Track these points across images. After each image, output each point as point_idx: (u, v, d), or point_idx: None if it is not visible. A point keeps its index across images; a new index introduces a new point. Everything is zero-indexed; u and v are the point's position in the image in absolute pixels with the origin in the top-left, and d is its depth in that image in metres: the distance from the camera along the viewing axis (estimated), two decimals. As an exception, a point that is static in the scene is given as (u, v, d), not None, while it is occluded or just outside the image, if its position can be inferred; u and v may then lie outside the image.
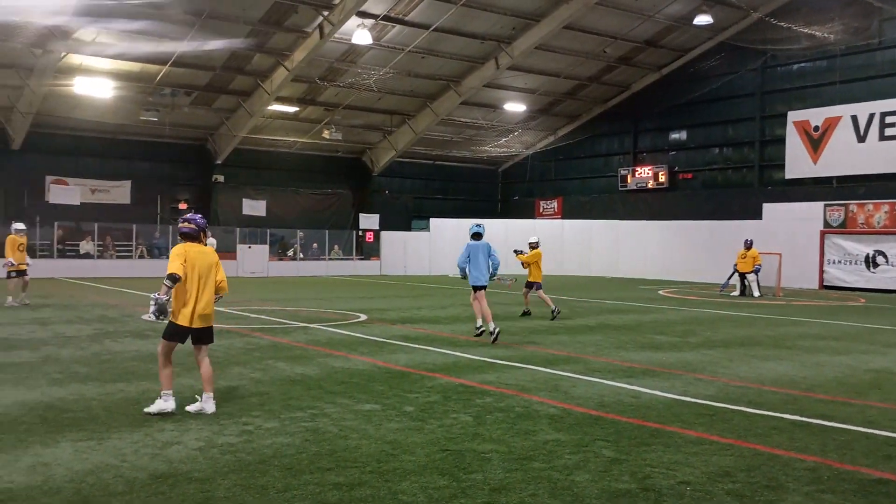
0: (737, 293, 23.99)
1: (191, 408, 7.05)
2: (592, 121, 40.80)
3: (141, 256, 32.69)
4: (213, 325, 7.35)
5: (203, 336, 7.21)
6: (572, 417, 7.10)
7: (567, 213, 40.88)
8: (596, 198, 40.39)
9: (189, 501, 4.74)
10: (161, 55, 29.00)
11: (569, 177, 42.59)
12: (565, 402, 7.71)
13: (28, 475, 5.17)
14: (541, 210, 42.89)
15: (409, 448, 5.97)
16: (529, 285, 16.94)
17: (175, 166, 36.35)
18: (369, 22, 28.46)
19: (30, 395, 7.64)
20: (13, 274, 17.42)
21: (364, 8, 27.09)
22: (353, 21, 27.73)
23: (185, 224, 7.27)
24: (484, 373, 9.36)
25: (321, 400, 7.64)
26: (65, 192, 32.57)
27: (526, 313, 16.92)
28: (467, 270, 12.60)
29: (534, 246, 17.06)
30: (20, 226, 18.21)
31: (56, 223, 31.02)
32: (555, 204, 42.32)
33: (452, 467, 5.50)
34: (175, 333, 7.12)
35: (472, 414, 7.15)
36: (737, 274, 24.34)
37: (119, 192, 34.27)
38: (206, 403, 7.03)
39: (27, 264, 17.75)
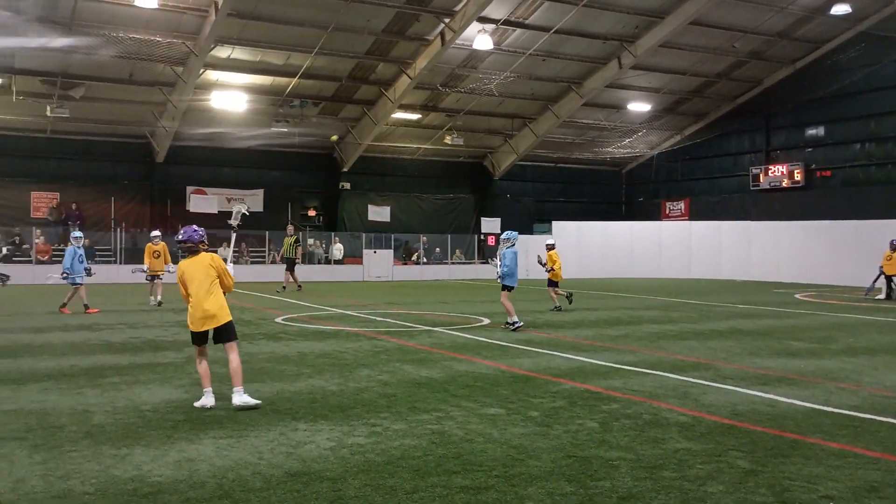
0: (882, 297, 22.56)
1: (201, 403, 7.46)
2: (721, 118, 39.43)
3: (273, 262, 34.04)
4: (232, 320, 7.64)
5: (221, 334, 7.54)
6: (703, 426, 6.88)
7: (695, 214, 39.65)
8: (726, 198, 38.96)
9: (321, 500, 4.90)
10: (291, 68, 30.21)
11: (696, 177, 41.31)
12: (696, 410, 7.48)
13: (175, 469, 5.48)
14: (667, 211, 41.79)
15: (535, 453, 5.95)
16: (553, 283, 18.54)
17: (304, 175, 37.72)
18: (490, 27, 28.62)
19: (175, 394, 8.10)
20: (148, 278, 18.98)
21: (485, 13, 27.27)
22: (474, 27, 27.98)
23: (183, 244, 7.63)
24: (610, 378, 9.21)
25: (446, 403, 7.72)
26: (203, 201, 34.40)
27: (558, 307, 18.21)
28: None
29: (551, 247, 18.82)
30: (156, 233, 19.54)
31: (196, 231, 32.75)
32: (682, 205, 41.14)
33: (579, 474, 5.44)
34: (193, 338, 7.61)
35: (599, 420, 7.04)
36: (883, 276, 22.87)
37: (253, 201, 35.79)
38: (234, 397, 7.32)
39: (166, 271, 18.94)
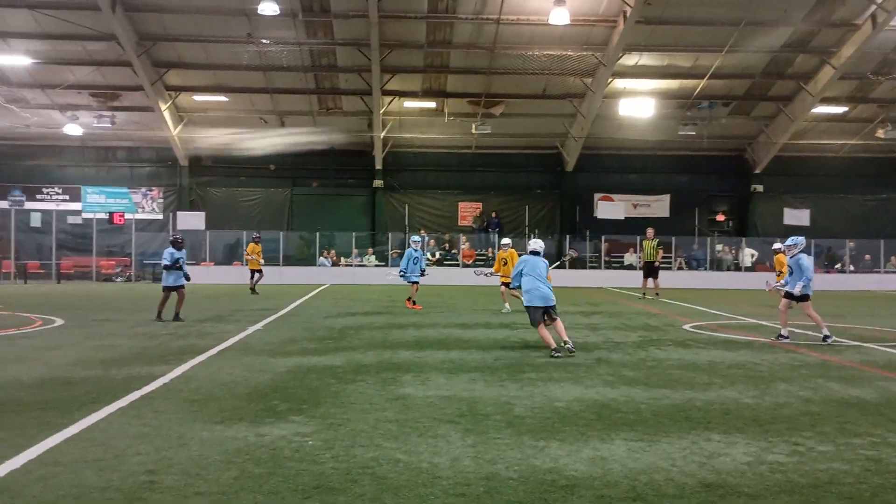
0: None
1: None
2: None
3: (680, 268, 33.52)
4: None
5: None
6: None
7: None
8: None
9: (739, 516, 4.66)
10: (699, 69, 29.51)
11: None
12: None
13: (589, 466, 5.65)
14: None
15: None
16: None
17: (712, 178, 36.53)
18: (936, 0, 24.90)
19: (586, 394, 8.36)
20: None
21: (928, -15, 23.82)
22: (915, 3, 24.58)
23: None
24: None
25: (882, 427, 6.85)
26: (610, 208, 35.24)
27: None
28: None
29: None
30: (506, 241, 19.77)
31: (603, 236, 33.70)
32: None
33: None
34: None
35: None
36: None
37: (659, 206, 35.75)
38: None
39: (488, 274, 19.49)
